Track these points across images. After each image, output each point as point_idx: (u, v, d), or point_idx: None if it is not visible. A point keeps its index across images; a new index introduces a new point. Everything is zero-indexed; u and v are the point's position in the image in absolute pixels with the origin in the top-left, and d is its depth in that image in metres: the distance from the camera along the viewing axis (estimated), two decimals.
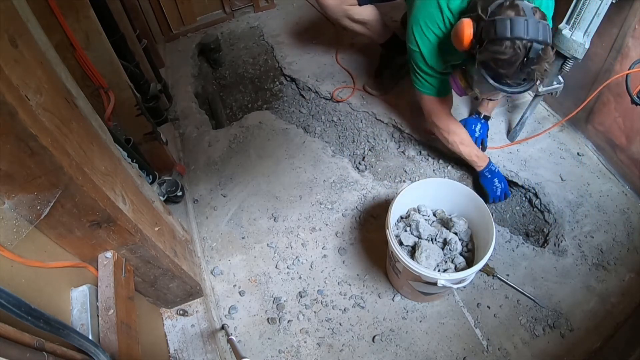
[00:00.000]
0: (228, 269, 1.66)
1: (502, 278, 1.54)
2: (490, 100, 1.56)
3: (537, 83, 1.26)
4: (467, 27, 1.23)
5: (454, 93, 1.62)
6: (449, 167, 2.00)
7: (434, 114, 1.70)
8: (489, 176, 1.75)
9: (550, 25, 1.38)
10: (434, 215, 1.53)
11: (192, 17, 2.74)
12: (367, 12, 1.89)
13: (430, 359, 1.42)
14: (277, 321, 1.51)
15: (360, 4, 1.85)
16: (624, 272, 1.53)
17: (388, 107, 2.14)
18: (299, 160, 2.00)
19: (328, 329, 1.49)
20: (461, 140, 1.72)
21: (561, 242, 1.63)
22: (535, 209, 1.82)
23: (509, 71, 1.20)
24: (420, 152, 2.08)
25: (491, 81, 1.25)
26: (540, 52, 1.16)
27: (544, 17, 1.19)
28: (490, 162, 1.75)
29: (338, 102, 2.22)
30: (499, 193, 1.75)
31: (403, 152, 2.09)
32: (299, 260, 1.66)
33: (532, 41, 1.14)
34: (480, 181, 1.79)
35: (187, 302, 1.46)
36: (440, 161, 2.02)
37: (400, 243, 1.41)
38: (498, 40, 1.16)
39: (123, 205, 1.03)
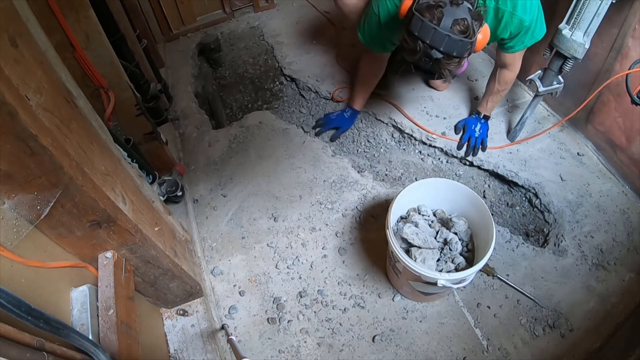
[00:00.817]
0: (228, 269, 1.66)
1: (502, 278, 1.54)
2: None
3: (446, 79, 1.35)
4: (408, 2, 1.30)
5: None
6: (449, 167, 2.00)
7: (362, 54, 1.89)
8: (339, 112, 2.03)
9: (541, 30, 1.47)
10: (434, 215, 1.53)
11: (192, 17, 2.74)
12: None
13: (430, 359, 1.42)
14: (277, 321, 1.51)
15: None
16: (624, 272, 1.53)
17: (388, 107, 2.14)
18: (299, 160, 2.00)
19: (328, 329, 1.49)
20: (363, 78, 1.93)
21: (561, 242, 1.63)
22: (535, 209, 1.82)
23: (412, 58, 1.31)
24: (420, 152, 2.08)
25: (402, 53, 1.35)
26: (440, 58, 1.24)
27: (463, 32, 1.22)
28: (356, 112, 2.04)
29: (338, 102, 2.22)
30: (325, 118, 2.04)
31: (403, 152, 2.10)
32: (299, 260, 1.66)
33: (432, 48, 1.22)
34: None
35: (187, 302, 1.46)
36: (441, 161, 2.03)
37: (406, 243, 1.41)
38: (407, 31, 1.26)
39: (123, 205, 1.03)
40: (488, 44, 1.54)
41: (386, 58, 1.88)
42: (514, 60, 1.65)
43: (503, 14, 1.41)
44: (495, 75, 1.75)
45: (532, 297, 1.49)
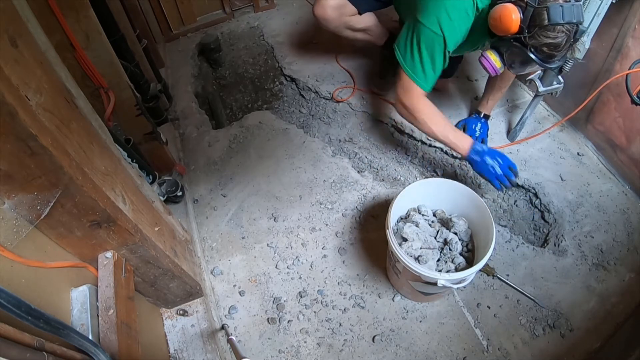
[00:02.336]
0: (228, 269, 1.66)
1: (502, 278, 1.54)
2: (520, 74, 1.56)
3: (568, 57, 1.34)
4: (514, 12, 1.25)
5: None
6: (449, 167, 2.00)
7: (407, 94, 1.55)
8: (478, 159, 1.52)
9: None
10: (434, 215, 1.53)
11: (192, 17, 2.74)
12: (367, 20, 1.89)
13: (430, 359, 1.42)
14: (277, 321, 1.51)
15: (360, 13, 1.84)
16: (624, 272, 1.53)
17: (388, 107, 2.14)
18: (299, 160, 2.00)
19: (328, 329, 1.49)
20: (430, 118, 1.54)
21: (561, 242, 1.63)
22: (535, 209, 1.82)
23: (560, 53, 1.27)
24: (420, 151, 2.08)
25: (540, 62, 1.30)
26: (584, 31, 1.27)
27: None
28: (474, 142, 1.54)
29: (338, 102, 2.22)
30: (499, 171, 1.51)
31: (403, 152, 2.10)
32: (299, 260, 1.66)
33: (579, 23, 1.22)
34: (475, 170, 1.58)
35: (187, 302, 1.46)
36: (440, 161, 2.03)
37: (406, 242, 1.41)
38: (552, 27, 1.21)
39: (123, 205, 1.03)
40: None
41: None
42: None
43: None
44: None
45: (532, 297, 1.49)
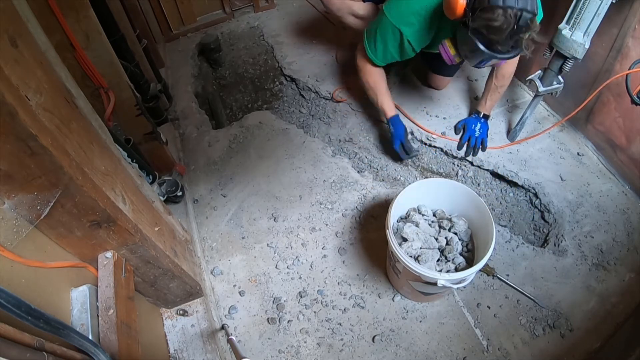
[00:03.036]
0: (228, 269, 1.66)
1: (502, 278, 1.54)
2: (478, 68, 1.59)
3: (526, 51, 1.32)
4: None
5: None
6: (449, 167, 2.00)
7: (363, 60, 1.81)
8: (392, 128, 1.86)
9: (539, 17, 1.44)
10: (434, 215, 1.53)
11: (192, 17, 2.74)
12: (369, 8, 1.92)
13: (430, 359, 1.42)
14: (277, 321, 1.51)
15: (364, 0, 1.87)
16: (624, 272, 1.53)
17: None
18: (299, 160, 2.00)
19: (328, 329, 1.49)
20: (374, 82, 1.82)
21: (561, 242, 1.63)
22: (535, 209, 1.82)
23: (500, 38, 1.26)
24: (420, 151, 2.08)
25: (482, 47, 1.30)
26: (528, 21, 1.22)
27: None
28: (391, 118, 1.84)
29: (338, 102, 2.22)
30: (396, 145, 1.86)
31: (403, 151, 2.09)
32: (299, 260, 1.66)
33: (522, 10, 1.20)
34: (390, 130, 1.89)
35: (187, 302, 1.46)
36: (440, 161, 2.03)
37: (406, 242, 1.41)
38: (490, 8, 1.22)
39: (123, 205, 1.03)
40: None
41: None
42: None
43: None
44: (494, 72, 1.76)
45: (532, 297, 1.49)
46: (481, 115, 1.91)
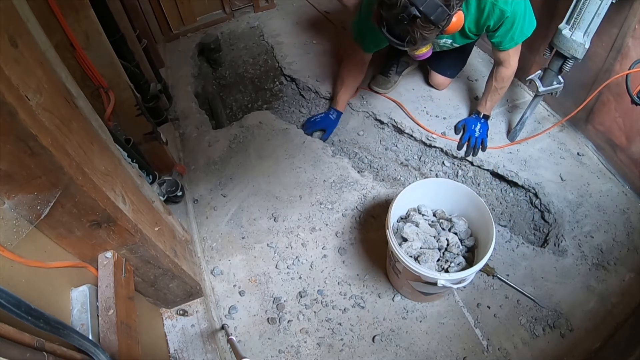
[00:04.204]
0: (228, 269, 1.66)
1: (502, 278, 1.54)
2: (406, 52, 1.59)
3: (414, 46, 1.35)
4: None
5: None
6: (448, 167, 2.00)
7: (347, 47, 1.99)
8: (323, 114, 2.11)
9: (530, 25, 1.53)
10: (434, 215, 1.53)
11: (192, 17, 2.74)
12: None
13: (430, 359, 1.42)
14: (277, 321, 1.51)
15: None
16: (624, 272, 1.53)
17: (388, 107, 2.14)
18: (299, 160, 2.00)
19: (328, 329, 1.49)
20: (342, 78, 2.01)
21: (561, 242, 1.63)
22: (535, 209, 1.82)
23: (388, 16, 1.29)
24: (420, 151, 2.08)
25: (376, 24, 1.36)
26: (417, 18, 1.24)
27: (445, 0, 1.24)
28: (339, 112, 2.09)
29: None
30: (312, 119, 2.13)
31: (403, 152, 2.10)
32: (299, 260, 1.66)
33: (411, 4, 1.21)
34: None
35: (187, 302, 1.46)
36: (440, 161, 2.03)
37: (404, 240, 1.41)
38: None
39: (123, 205, 1.03)
40: (475, 34, 1.61)
41: (367, 60, 1.97)
42: (509, 57, 1.66)
43: (485, 4, 1.46)
44: (494, 72, 1.76)
45: (532, 297, 1.49)
46: (481, 116, 1.91)
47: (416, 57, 1.50)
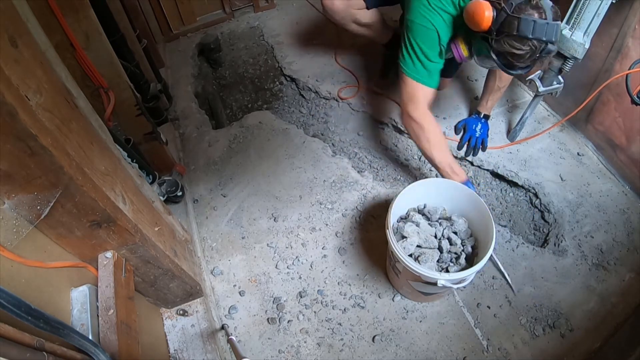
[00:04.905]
0: (228, 269, 1.66)
1: (493, 258, 1.55)
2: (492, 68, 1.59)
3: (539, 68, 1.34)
4: (488, 10, 1.25)
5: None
6: None
7: (412, 103, 1.54)
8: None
9: None
10: (434, 215, 1.53)
11: (192, 17, 2.74)
12: (372, 15, 1.91)
13: (430, 359, 1.42)
14: (277, 321, 1.51)
15: (368, 8, 1.86)
16: (624, 272, 1.53)
17: (388, 107, 2.14)
18: (299, 160, 2.00)
19: (328, 329, 1.49)
20: (436, 142, 1.54)
21: (561, 242, 1.63)
22: (535, 209, 1.82)
23: (521, 63, 1.29)
24: (420, 151, 2.08)
25: (502, 67, 1.32)
26: (551, 49, 1.25)
27: (557, 14, 1.24)
28: (468, 181, 1.56)
29: (343, 99, 2.22)
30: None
31: (403, 152, 2.10)
32: (299, 260, 1.66)
33: (549, 42, 1.22)
34: None
35: (187, 302, 1.46)
36: None
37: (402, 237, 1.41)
38: (519, 37, 1.22)
39: (123, 205, 1.03)
40: None
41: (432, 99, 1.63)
42: None
43: None
44: (495, 72, 1.75)
45: (509, 281, 1.51)
46: (482, 116, 1.91)
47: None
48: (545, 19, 1.19)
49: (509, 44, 1.24)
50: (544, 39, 1.20)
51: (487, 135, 1.92)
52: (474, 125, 1.91)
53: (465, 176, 1.57)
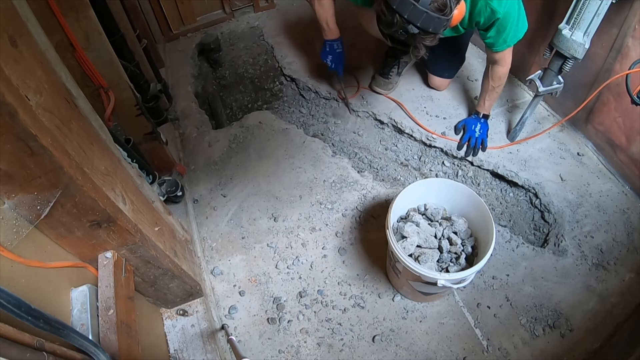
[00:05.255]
0: (228, 269, 1.66)
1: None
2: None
3: (419, 52, 1.36)
4: None
5: None
6: (448, 167, 2.00)
7: None
8: (327, 48, 2.03)
9: (522, 27, 1.52)
10: (435, 214, 1.53)
11: (192, 17, 2.74)
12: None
13: (430, 359, 1.42)
14: (277, 321, 1.51)
15: None
16: (624, 272, 1.53)
17: (388, 107, 2.14)
18: (299, 160, 2.00)
19: (328, 329, 1.49)
20: (319, 2, 1.83)
21: (561, 242, 1.63)
22: (535, 209, 1.82)
23: (388, 30, 1.32)
24: (420, 151, 2.08)
25: (379, 25, 1.35)
26: (416, 33, 1.26)
27: (441, 9, 1.24)
28: (339, 40, 1.97)
29: (343, 99, 2.22)
30: (331, 66, 2.05)
31: (403, 152, 2.10)
32: (299, 260, 1.66)
33: (409, 23, 1.23)
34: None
35: (187, 302, 1.46)
36: (440, 161, 2.03)
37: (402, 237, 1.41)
38: (385, 3, 1.25)
39: (123, 205, 1.03)
40: (464, 27, 1.60)
41: None
42: (503, 56, 1.66)
43: (478, 1, 1.45)
44: (488, 72, 1.76)
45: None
46: (481, 116, 1.91)
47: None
48: (416, 2, 1.20)
49: (382, 8, 1.27)
50: (405, 16, 1.22)
51: (487, 135, 1.92)
52: (473, 126, 1.91)
53: (338, 34, 1.96)
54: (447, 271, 1.39)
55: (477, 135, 1.89)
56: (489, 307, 1.50)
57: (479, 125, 1.91)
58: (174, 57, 2.60)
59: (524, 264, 1.59)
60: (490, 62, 1.73)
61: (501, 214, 1.88)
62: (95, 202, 0.88)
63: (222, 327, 1.44)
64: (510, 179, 1.85)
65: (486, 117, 1.93)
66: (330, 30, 1.96)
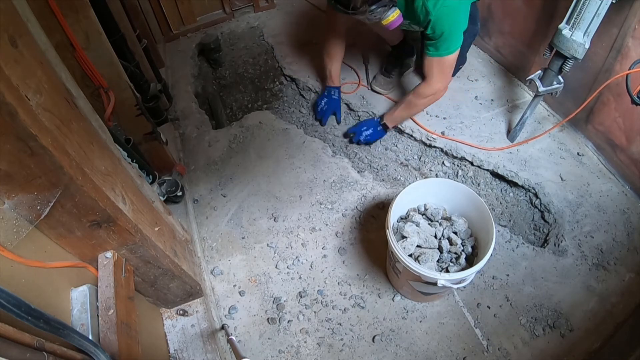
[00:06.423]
0: (228, 269, 1.66)
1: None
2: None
3: (358, 10, 1.41)
4: None
5: None
6: (448, 167, 2.00)
7: (327, 18, 1.96)
8: (325, 92, 2.13)
9: (456, 42, 1.57)
10: (434, 215, 1.53)
11: (192, 17, 2.74)
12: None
13: (430, 359, 1.42)
14: (277, 321, 1.51)
15: None
16: (624, 272, 1.53)
17: (388, 107, 2.14)
18: (299, 160, 2.00)
19: (328, 329, 1.49)
20: (327, 52, 2.01)
21: (561, 242, 1.63)
22: (535, 209, 1.82)
23: None
24: (420, 151, 2.08)
25: None
26: None
27: None
28: (337, 88, 2.09)
29: (345, 93, 2.23)
30: (319, 109, 2.15)
31: (403, 152, 2.10)
32: (299, 260, 1.66)
33: None
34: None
35: (187, 302, 1.46)
36: (440, 161, 2.03)
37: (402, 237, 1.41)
38: None
39: (123, 205, 1.03)
40: (412, 23, 1.63)
41: (344, 28, 1.94)
42: (431, 69, 1.66)
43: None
44: (415, 88, 1.79)
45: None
46: (381, 122, 1.94)
47: (389, 28, 1.52)
48: None
49: None
50: None
51: (372, 142, 2.00)
52: (365, 128, 1.97)
53: (338, 83, 2.10)
54: (447, 271, 1.39)
55: (361, 138, 1.98)
56: (489, 307, 1.50)
57: (370, 131, 1.96)
58: (174, 57, 2.60)
59: (524, 264, 1.59)
60: (422, 76, 1.74)
61: (501, 214, 1.88)
62: (95, 202, 0.88)
63: (222, 327, 1.44)
64: (510, 179, 1.85)
65: (386, 127, 1.95)
66: (330, 79, 2.09)
